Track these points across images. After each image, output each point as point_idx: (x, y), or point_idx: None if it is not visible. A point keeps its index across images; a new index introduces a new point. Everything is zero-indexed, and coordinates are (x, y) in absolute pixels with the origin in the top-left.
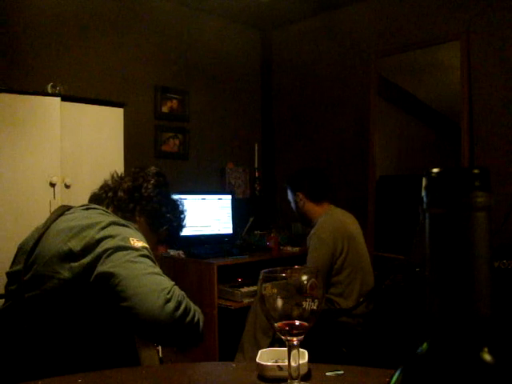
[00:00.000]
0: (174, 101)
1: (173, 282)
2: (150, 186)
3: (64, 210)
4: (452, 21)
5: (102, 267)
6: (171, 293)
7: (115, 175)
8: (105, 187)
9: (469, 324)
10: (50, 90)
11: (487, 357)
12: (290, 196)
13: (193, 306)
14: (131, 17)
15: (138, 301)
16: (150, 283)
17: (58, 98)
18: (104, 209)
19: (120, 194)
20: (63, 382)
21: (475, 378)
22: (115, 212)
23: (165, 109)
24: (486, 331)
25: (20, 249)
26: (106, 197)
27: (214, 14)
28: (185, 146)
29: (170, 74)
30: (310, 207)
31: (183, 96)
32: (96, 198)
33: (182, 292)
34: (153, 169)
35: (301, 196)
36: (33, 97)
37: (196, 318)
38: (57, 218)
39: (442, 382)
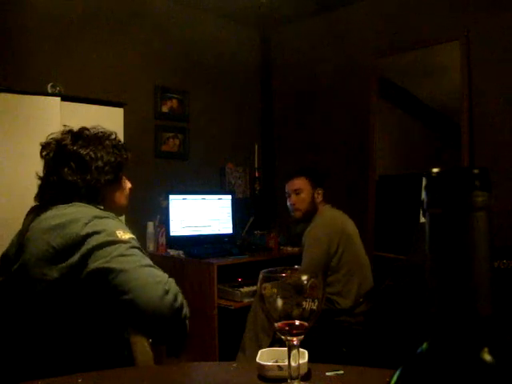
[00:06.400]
0: (174, 101)
1: (167, 275)
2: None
3: (37, 209)
4: (452, 21)
5: (94, 264)
6: (168, 285)
7: (50, 163)
8: (57, 182)
9: (469, 324)
10: (49, 90)
11: (487, 357)
12: (303, 188)
13: (185, 301)
14: (131, 17)
15: (137, 293)
16: (146, 275)
17: (58, 98)
18: (79, 203)
19: (87, 191)
20: (63, 382)
21: (475, 377)
22: (89, 203)
23: (165, 109)
24: (486, 331)
25: (3, 257)
26: (78, 197)
27: (214, 13)
28: (185, 146)
29: (170, 74)
30: (320, 205)
31: (183, 96)
32: (62, 198)
33: (177, 286)
34: (82, 131)
35: (320, 192)
36: (33, 97)
37: (188, 313)
38: (33, 220)
39: (442, 381)
